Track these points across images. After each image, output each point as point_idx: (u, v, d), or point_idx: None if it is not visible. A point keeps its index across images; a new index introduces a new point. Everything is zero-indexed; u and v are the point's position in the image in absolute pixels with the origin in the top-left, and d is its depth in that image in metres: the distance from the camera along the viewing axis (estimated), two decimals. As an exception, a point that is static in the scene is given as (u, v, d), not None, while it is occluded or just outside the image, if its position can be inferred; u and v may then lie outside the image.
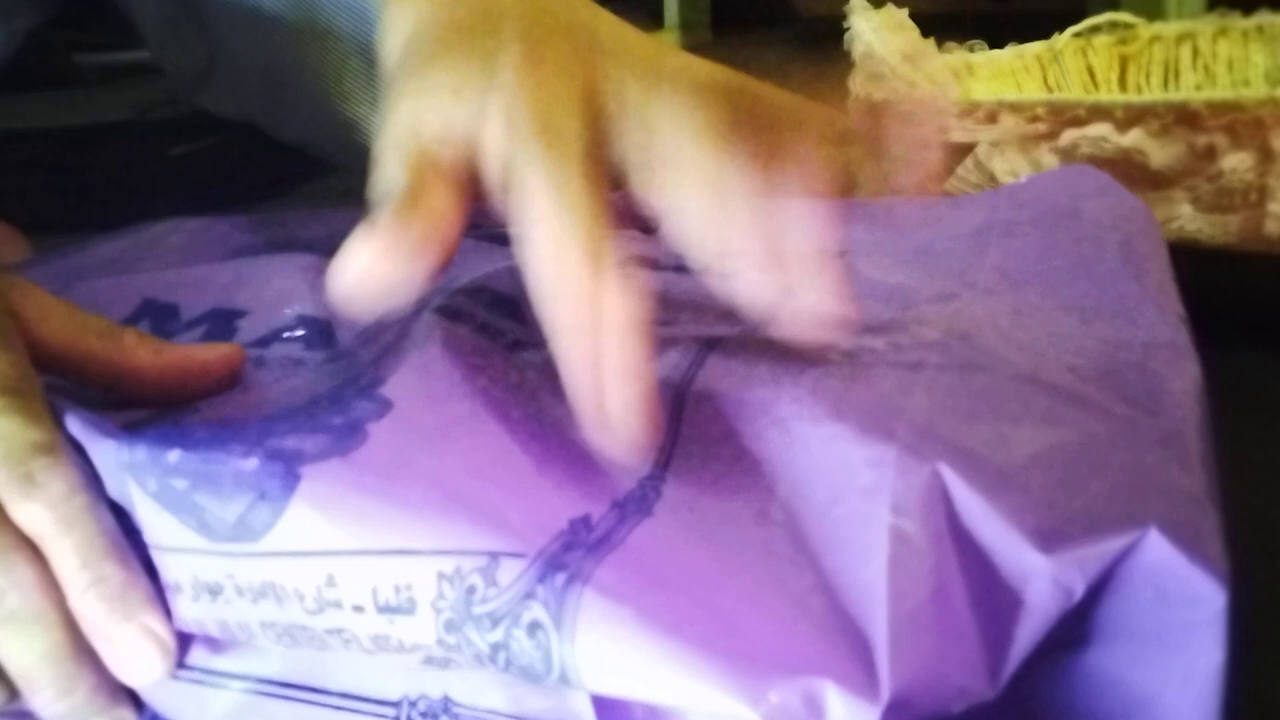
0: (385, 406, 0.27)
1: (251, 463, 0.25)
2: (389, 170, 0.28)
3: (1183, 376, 0.30)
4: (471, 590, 0.23)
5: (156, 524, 0.26)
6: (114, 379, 0.31)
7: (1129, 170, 0.52)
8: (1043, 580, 0.23)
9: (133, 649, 0.27)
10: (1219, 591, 0.22)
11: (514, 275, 0.31)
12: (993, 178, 0.52)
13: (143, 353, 0.31)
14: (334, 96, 0.58)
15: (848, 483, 0.25)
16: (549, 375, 0.29)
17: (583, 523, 0.25)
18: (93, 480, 0.27)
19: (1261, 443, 0.35)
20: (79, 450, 0.28)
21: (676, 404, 0.29)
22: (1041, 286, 0.35)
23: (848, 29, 0.60)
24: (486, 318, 0.33)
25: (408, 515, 0.24)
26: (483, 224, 0.33)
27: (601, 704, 0.24)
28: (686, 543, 0.25)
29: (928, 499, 0.24)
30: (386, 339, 0.34)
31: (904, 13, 0.62)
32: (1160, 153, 0.51)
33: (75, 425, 0.28)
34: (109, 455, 0.27)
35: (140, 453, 0.27)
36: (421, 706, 0.26)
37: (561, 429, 0.28)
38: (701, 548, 0.25)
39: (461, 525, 0.24)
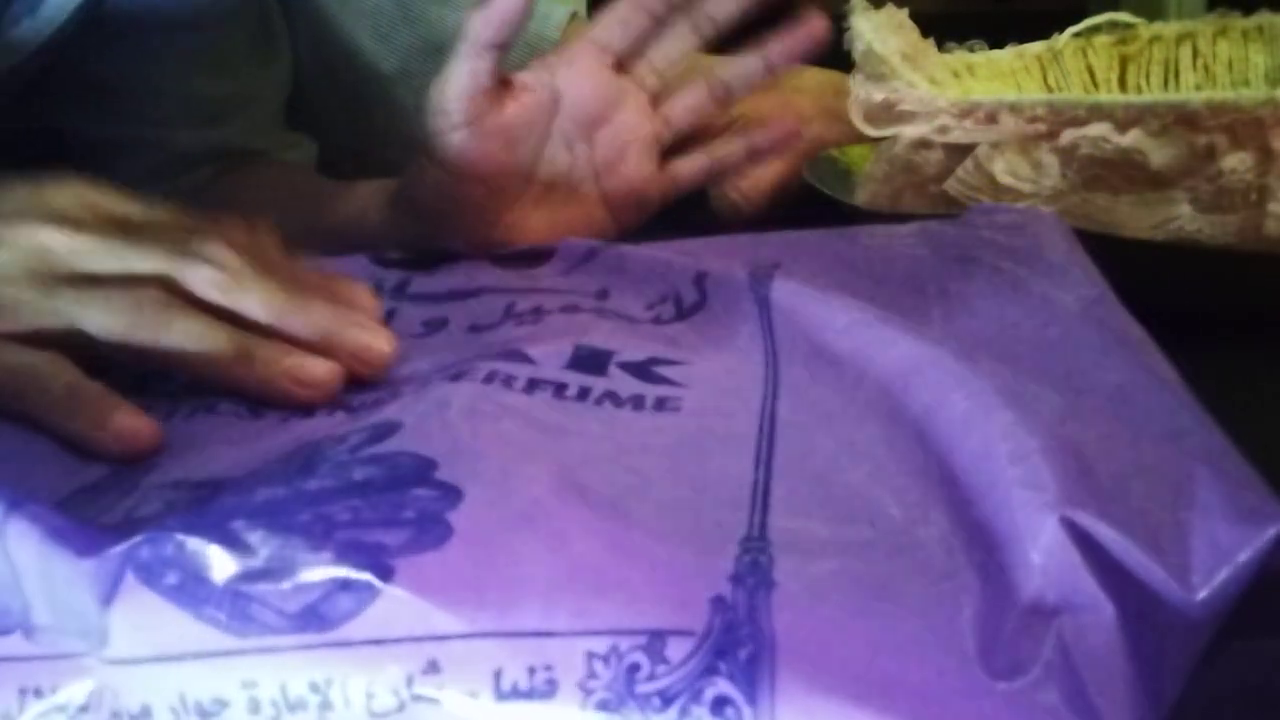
0: (453, 494, 0.26)
1: (326, 555, 0.24)
2: None
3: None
4: (634, 669, 0.23)
5: (152, 628, 0.24)
6: None
7: (1128, 170, 0.52)
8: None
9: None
10: None
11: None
12: (993, 179, 0.52)
13: None
14: (411, 117, 0.64)
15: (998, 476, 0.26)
16: (585, 428, 0.30)
17: (721, 601, 0.24)
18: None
19: (1260, 442, 0.35)
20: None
21: (762, 445, 0.30)
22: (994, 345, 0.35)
23: (847, 29, 0.60)
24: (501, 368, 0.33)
25: (539, 597, 0.24)
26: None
27: None
28: (833, 600, 0.25)
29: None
30: (379, 391, 0.34)
31: (904, 13, 0.62)
32: (1160, 153, 0.51)
33: (29, 539, 0.25)
34: (75, 568, 0.25)
35: (159, 548, 0.25)
36: None
37: (636, 495, 0.28)
38: (846, 598, 0.25)
39: (608, 604, 0.24)
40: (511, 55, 0.70)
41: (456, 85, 0.49)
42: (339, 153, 0.70)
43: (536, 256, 0.47)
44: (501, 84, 0.49)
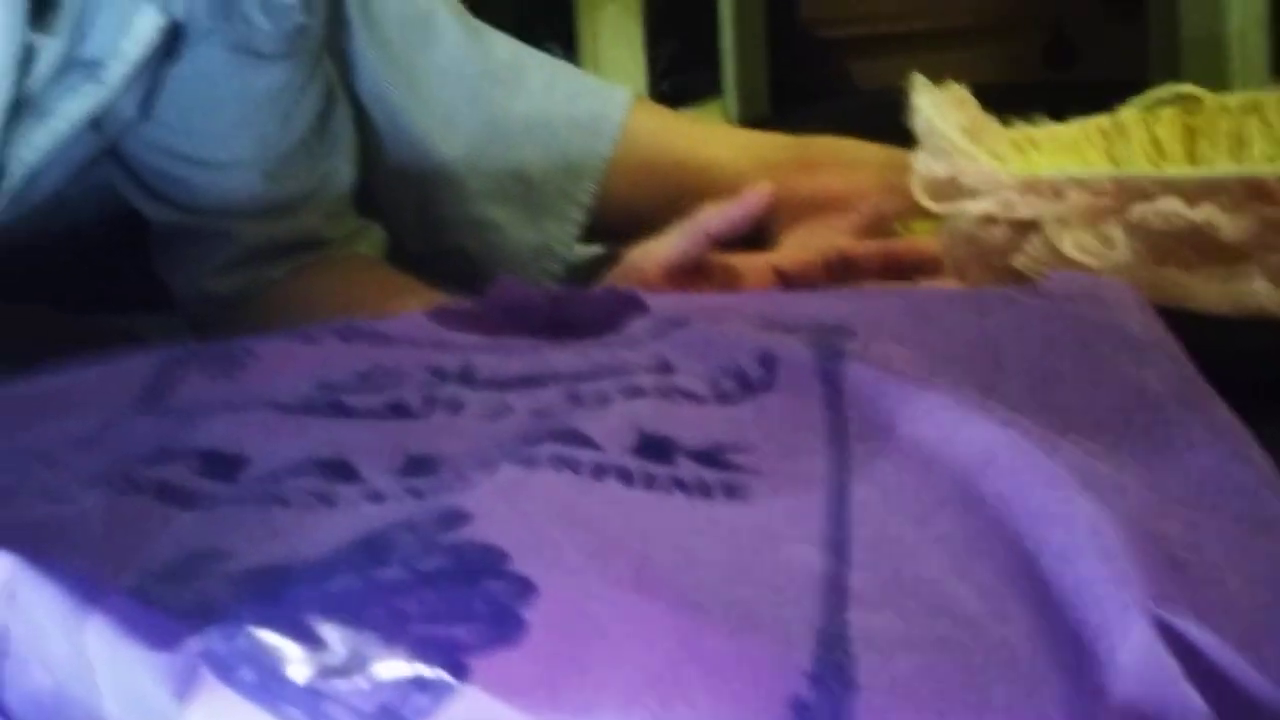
0: (527, 588, 0.26)
1: (401, 651, 0.24)
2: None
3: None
4: None
5: None
6: None
7: (1200, 244, 0.51)
8: None
9: None
10: None
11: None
12: (1061, 254, 0.52)
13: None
14: (479, 202, 0.66)
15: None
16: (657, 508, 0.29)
17: (800, 703, 0.24)
18: None
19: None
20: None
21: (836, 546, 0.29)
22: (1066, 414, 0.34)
23: (908, 104, 0.60)
24: (596, 458, 0.33)
25: (614, 702, 0.24)
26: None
27: None
28: (918, 702, 0.24)
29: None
30: (445, 475, 0.34)
31: (964, 88, 0.62)
32: (1232, 226, 0.50)
33: (105, 633, 0.25)
34: (150, 662, 0.25)
35: (234, 642, 0.25)
36: None
37: (708, 588, 0.27)
38: (931, 700, 0.24)
39: (685, 709, 0.23)
40: (573, 137, 0.71)
41: (663, 256, 0.55)
42: (409, 238, 0.71)
43: (606, 323, 0.47)
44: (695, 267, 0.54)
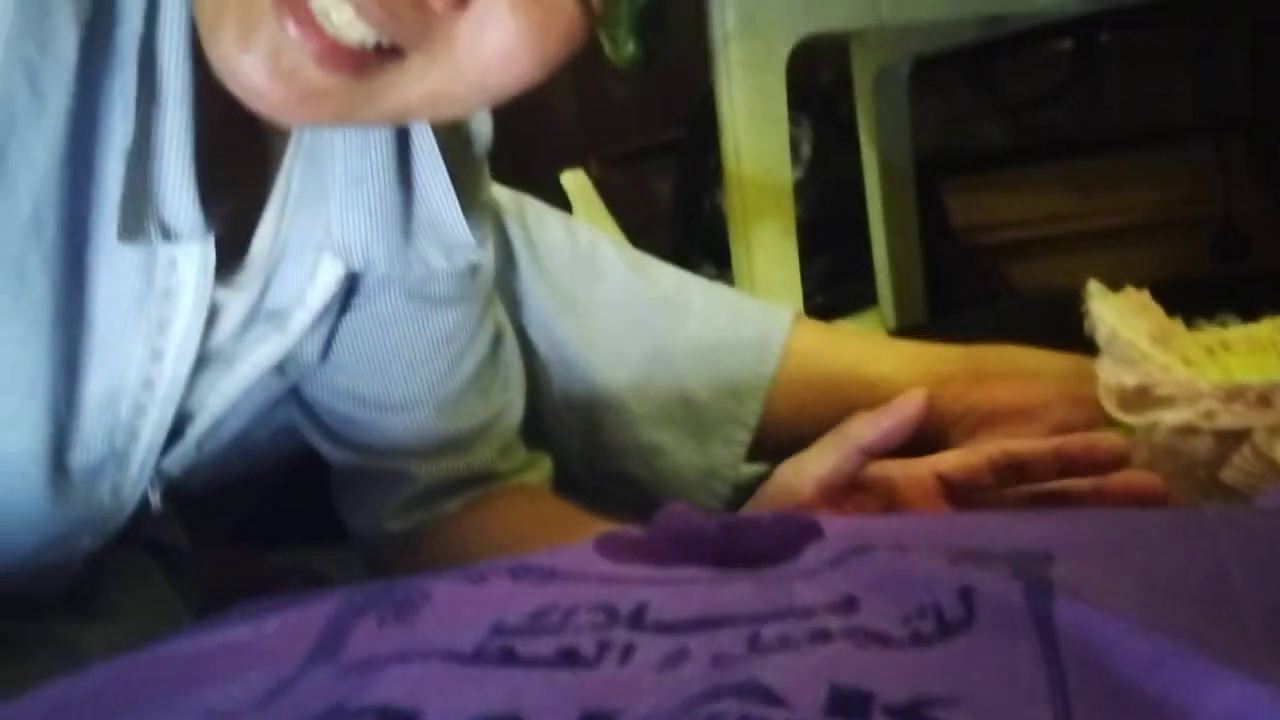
0: None
1: None
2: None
3: None
4: None
5: None
6: None
7: None
8: None
9: None
10: None
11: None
12: (1276, 466, 0.48)
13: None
14: (645, 428, 0.66)
15: None
16: None
17: None
18: None
19: None
20: None
21: None
22: None
23: (1072, 306, 0.58)
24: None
25: None
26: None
27: None
28: None
29: None
30: None
31: (1145, 294, 0.59)
32: None
33: None
34: None
35: None
36: None
37: None
38: None
39: None
40: (736, 360, 0.71)
41: (816, 472, 0.52)
42: (575, 464, 0.71)
43: (781, 552, 0.45)
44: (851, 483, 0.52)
